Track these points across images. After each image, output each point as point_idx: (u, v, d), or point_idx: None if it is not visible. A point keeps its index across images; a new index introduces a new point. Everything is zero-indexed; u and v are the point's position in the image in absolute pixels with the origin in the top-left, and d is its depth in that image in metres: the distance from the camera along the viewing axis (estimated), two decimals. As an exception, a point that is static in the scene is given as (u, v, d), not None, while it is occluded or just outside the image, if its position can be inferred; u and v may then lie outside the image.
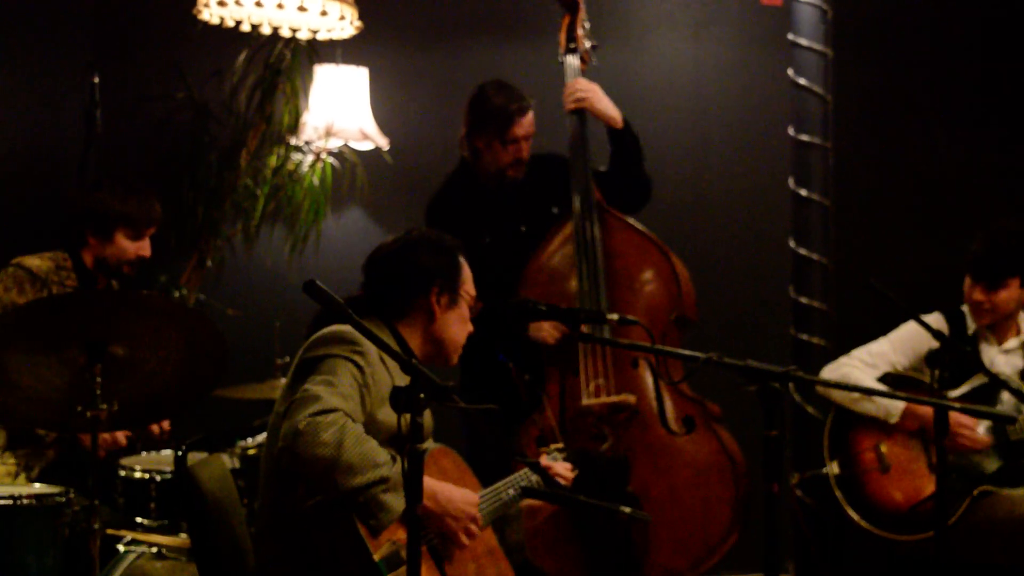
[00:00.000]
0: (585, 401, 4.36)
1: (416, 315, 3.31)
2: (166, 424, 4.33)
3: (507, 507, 3.31)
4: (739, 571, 5.06)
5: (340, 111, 5.32)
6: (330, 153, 5.42)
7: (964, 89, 5.92)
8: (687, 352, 3.16)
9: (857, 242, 5.66)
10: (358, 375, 3.05)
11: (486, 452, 4.01)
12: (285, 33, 4.81)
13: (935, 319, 4.58)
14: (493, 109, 4.53)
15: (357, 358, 3.06)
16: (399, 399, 2.62)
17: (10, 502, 3.54)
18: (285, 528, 3.03)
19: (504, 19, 5.72)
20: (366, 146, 5.42)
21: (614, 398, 4.36)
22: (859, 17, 5.63)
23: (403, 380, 2.74)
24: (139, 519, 4.13)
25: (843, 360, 4.65)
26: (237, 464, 4.29)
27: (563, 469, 3.48)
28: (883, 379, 4.56)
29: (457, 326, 3.35)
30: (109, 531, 3.83)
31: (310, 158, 5.40)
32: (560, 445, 3.63)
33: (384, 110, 5.50)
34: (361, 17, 4.82)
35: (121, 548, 3.89)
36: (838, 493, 4.51)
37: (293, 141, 5.38)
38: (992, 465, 4.39)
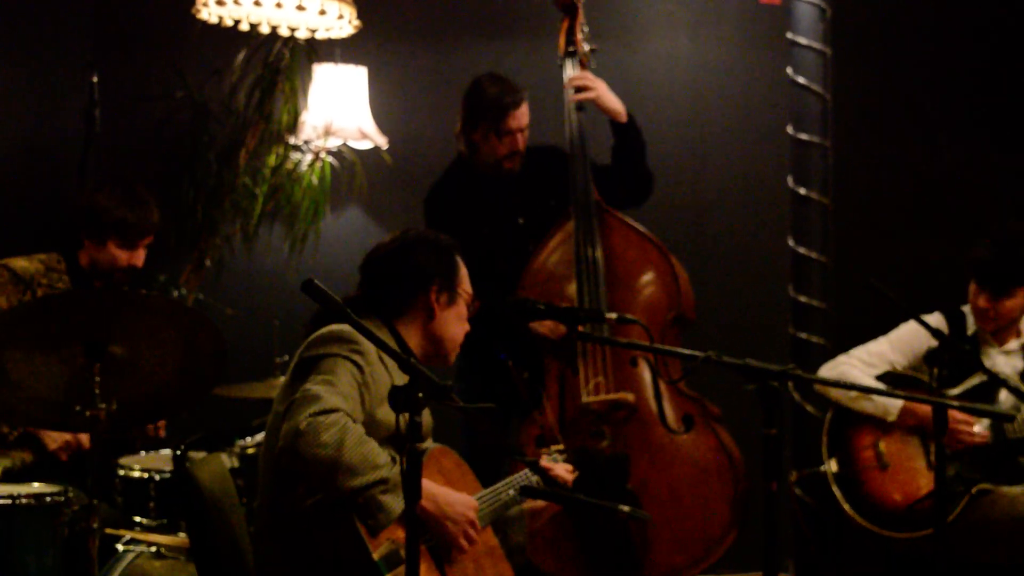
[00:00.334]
0: (584, 399, 4.36)
1: (415, 314, 3.31)
2: (161, 424, 4.31)
3: (507, 507, 3.32)
4: (738, 570, 5.06)
5: (339, 110, 5.32)
6: (329, 152, 5.42)
7: (963, 87, 5.92)
8: (686, 351, 3.16)
9: (856, 241, 5.66)
10: (357, 374, 3.05)
11: (485, 452, 4.01)
12: (284, 32, 4.81)
13: (935, 319, 4.58)
14: (488, 101, 4.54)
15: (356, 357, 3.06)
16: (398, 398, 2.62)
17: (9, 501, 3.55)
18: (284, 527, 3.03)
19: (503, 19, 5.72)
20: (365, 145, 5.43)
21: (613, 396, 4.36)
22: (858, 16, 5.63)
23: (402, 379, 2.74)
24: (138, 518, 4.13)
25: (842, 359, 4.66)
26: (236, 463, 4.29)
27: (563, 471, 3.49)
28: (882, 378, 4.56)
29: (455, 325, 3.36)
30: (108, 530, 3.84)
31: (309, 157, 5.40)
32: (561, 447, 3.63)
33: (383, 109, 5.50)
34: (360, 16, 4.82)
35: (120, 547, 3.90)
36: (837, 491, 4.51)
37: (292, 140, 5.38)
38: (990, 463, 4.39)
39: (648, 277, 4.55)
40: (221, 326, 3.46)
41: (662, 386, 4.42)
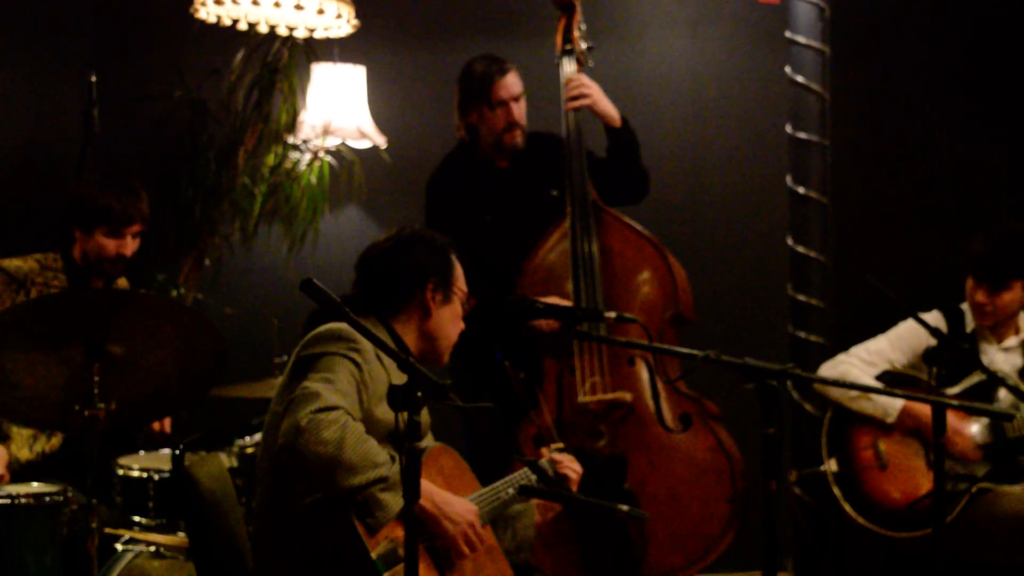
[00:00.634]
0: (581, 398, 4.36)
1: (411, 312, 3.32)
2: (167, 422, 4.31)
3: (505, 507, 3.32)
4: (738, 569, 5.06)
5: (337, 109, 5.32)
6: (328, 151, 5.42)
7: (962, 86, 5.92)
8: (684, 350, 3.16)
9: (855, 239, 5.66)
10: (356, 372, 3.05)
11: (484, 451, 4.01)
12: (282, 32, 4.81)
13: (934, 317, 4.58)
14: (474, 77, 4.57)
15: (355, 355, 3.06)
16: (396, 397, 2.62)
17: (8, 501, 3.55)
18: (283, 526, 3.02)
19: (502, 18, 5.72)
20: (364, 144, 5.42)
21: (610, 395, 4.36)
22: (856, 14, 5.63)
23: (400, 377, 2.74)
24: (137, 518, 4.13)
25: (841, 358, 4.66)
26: (235, 463, 4.29)
27: (570, 462, 3.50)
28: (881, 377, 4.56)
29: (451, 323, 3.37)
30: (107, 530, 3.83)
31: (308, 157, 5.40)
32: (560, 445, 3.63)
33: (381, 108, 5.50)
34: (358, 15, 4.82)
35: (119, 547, 3.89)
36: (836, 490, 4.51)
37: (291, 140, 5.38)
38: (990, 463, 4.39)
39: (645, 276, 4.55)
40: (220, 325, 3.47)
41: (659, 385, 4.42)
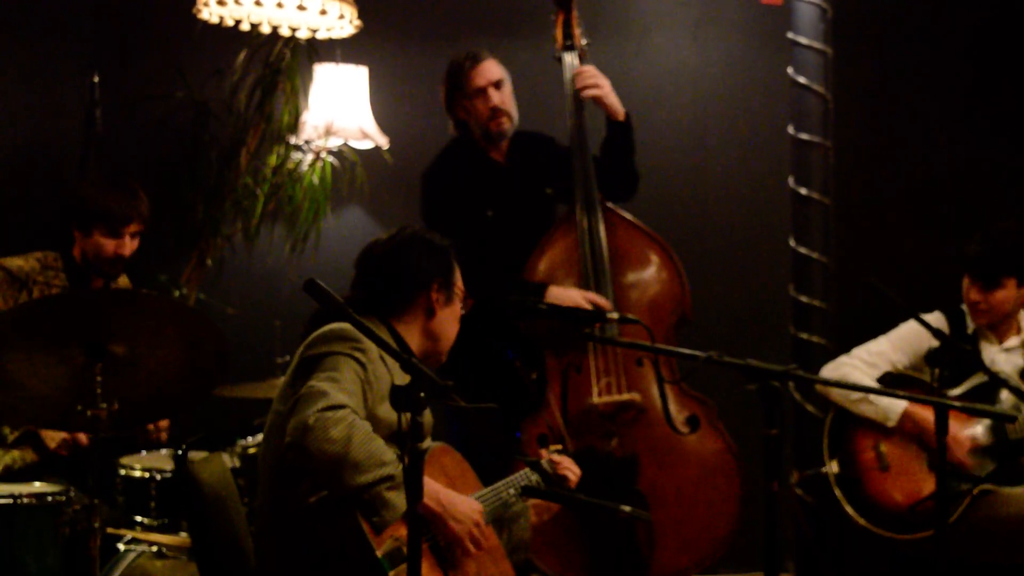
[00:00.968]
0: (595, 399, 4.34)
1: (415, 312, 3.32)
2: (163, 423, 4.31)
3: (507, 507, 3.32)
4: (739, 570, 5.07)
5: (340, 110, 5.32)
6: (330, 152, 5.42)
7: (964, 87, 5.92)
8: (688, 351, 3.15)
9: (857, 241, 5.66)
10: (360, 372, 3.06)
11: (475, 451, 3.99)
12: (285, 32, 4.81)
13: (935, 318, 4.58)
14: (451, 71, 4.62)
15: (359, 355, 3.07)
16: (399, 398, 2.62)
17: (10, 501, 3.55)
18: (287, 525, 3.03)
19: (504, 18, 5.72)
20: (366, 145, 5.42)
21: (625, 396, 4.35)
22: (859, 15, 5.63)
23: (402, 377, 2.74)
24: (139, 518, 4.13)
25: (843, 359, 4.65)
26: (237, 463, 4.29)
27: (569, 463, 3.50)
28: (883, 379, 4.56)
29: (452, 323, 3.39)
30: (109, 530, 3.83)
31: (310, 157, 5.40)
32: (559, 447, 3.63)
33: (384, 109, 5.50)
34: (360, 16, 4.82)
35: (121, 547, 3.89)
36: (838, 492, 4.51)
37: (293, 140, 5.37)
38: (991, 465, 4.39)
39: (654, 276, 4.54)
40: (222, 326, 3.47)
41: (668, 387, 4.41)
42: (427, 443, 3.26)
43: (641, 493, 4.28)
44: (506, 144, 4.63)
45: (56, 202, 4.68)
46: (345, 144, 5.41)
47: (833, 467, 4.54)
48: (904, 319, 4.58)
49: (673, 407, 4.42)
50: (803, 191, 5.21)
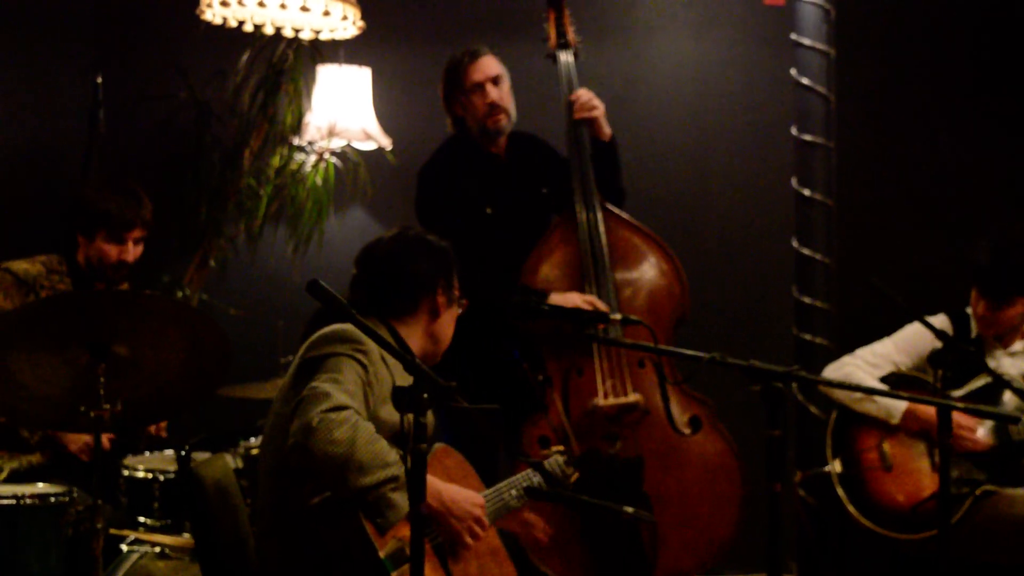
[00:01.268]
0: (600, 401, 4.34)
1: (419, 315, 3.32)
2: (163, 424, 4.31)
3: (509, 509, 3.32)
4: (742, 570, 5.06)
5: (343, 111, 5.32)
6: (333, 153, 5.42)
7: (967, 88, 5.92)
8: (691, 352, 3.15)
9: (860, 242, 5.66)
10: (362, 373, 3.05)
11: (467, 451, 4.00)
12: (288, 33, 4.81)
13: (939, 320, 4.58)
14: (449, 68, 4.62)
15: (360, 356, 3.06)
16: (402, 399, 2.62)
17: (13, 502, 3.55)
18: (290, 526, 3.03)
19: (507, 19, 5.71)
20: (369, 146, 5.43)
21: (631, 398, 4.35)
22: (861, 16, 5.63)
23: (404, 378, 2.74)
24: (142, 519, 4.13)
25: (846, 360, 4.66)
26: (240, 464, 4.29)
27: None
28: (886, 379, 4.56)
29: (451, 324, 3.41)
30: (112, 531, 3.84)
31: (313, 158, 5.40)
32: (561, 448, 3.62)
33: (387, 110, 5.50)
34: (364, 17, 4.82)
35: (124, 548, 3.90)
36: (841, 492, 4.51)
37: (296, 141, 5.38)
38: (995, 465, 4.39)
39: (654, 276, 4.54)
40: (225, 326, 3.47)
41: (669, 388, 4.41)
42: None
43: (647, 496, 4.27)
44: (504, 141, 4.62)
45: (59, 203, 4.69)
46: (348, 145, 5.41)
47: (836, 467, 4.54)
48: (907, 321, 4.58)
49: (675, 408, 4.42)
50: (806, 192, 5.21)
